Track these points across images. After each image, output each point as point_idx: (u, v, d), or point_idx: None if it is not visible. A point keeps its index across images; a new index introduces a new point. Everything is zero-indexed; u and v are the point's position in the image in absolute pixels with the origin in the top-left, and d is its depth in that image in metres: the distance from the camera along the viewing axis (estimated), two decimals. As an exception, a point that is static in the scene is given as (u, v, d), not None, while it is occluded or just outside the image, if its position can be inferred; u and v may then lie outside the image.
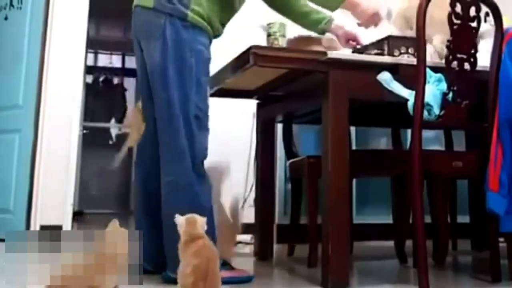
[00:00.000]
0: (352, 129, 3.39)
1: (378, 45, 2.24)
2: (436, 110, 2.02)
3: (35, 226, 3.47)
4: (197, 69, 2.01)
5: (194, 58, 2.01)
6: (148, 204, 2.18)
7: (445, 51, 2.07)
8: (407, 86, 2.02)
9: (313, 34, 2.45)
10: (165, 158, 2.02)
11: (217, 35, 2.17)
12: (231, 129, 3.71)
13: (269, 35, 2.29)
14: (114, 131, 6.73)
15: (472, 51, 2.07)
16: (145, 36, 2.08)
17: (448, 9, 2.02)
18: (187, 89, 1.99)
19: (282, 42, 2.17)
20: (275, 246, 2.91)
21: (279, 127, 3.07)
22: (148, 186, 2.18)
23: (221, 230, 2.05)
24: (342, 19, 2.45)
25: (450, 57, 2.04)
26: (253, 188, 3.10)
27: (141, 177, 2.24)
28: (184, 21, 2.00)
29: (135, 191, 2.32)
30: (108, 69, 6.75)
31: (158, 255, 2.03)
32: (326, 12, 2.43)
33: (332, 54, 2.05)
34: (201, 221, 1.65)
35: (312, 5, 2.39)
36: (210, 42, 2.12)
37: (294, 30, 2.46)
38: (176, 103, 1.98)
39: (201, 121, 2.04)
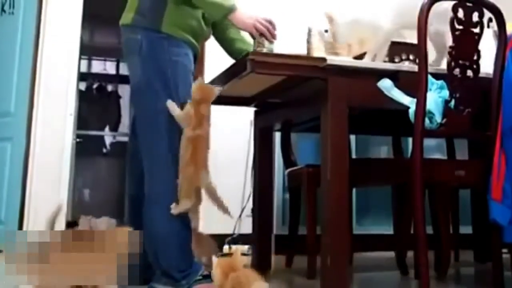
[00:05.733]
0: (352, 137, 3.37)
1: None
2: (438, 118, 2.00)
3: (26, 236, 3.42)
4: (174, 80, 2.02)
5: (170, 69, 2.02)
6: (134, 216, 2.15)
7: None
8: (408, 93, 1.99)
9: None
10: (147, 170, 2.04)
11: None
12: (228, 137, 3.68)
13: (255, 37, 2.24)
14: (108, 140, 6.68)
15: (475, 58, 2.04)
16: (127, 54, 2.11)
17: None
18: (163, 101, 1.98)
19: (269, 44, 2.13)
20: (273, 257, 2.89)
21: (277, 135, 3.05)
22: (135, 198, 2.17)
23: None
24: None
25: (452, 63, 2.01)
26: (251, 198, 3.06)
27: (130, 189, 2.26)
28: (159, 32, 2.02)
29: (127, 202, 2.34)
30: (102, 75, 6.70)
31: (144, 268, 2.01)
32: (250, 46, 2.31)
33: (331, 61, 2.01)
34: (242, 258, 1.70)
35: (239, 34, 2.36)
36: (192, 51, 2.12)
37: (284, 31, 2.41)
38: (153, 116, 2.01)
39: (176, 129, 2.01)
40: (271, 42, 2.11)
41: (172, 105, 1.97)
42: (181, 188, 1.93)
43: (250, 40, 2.25)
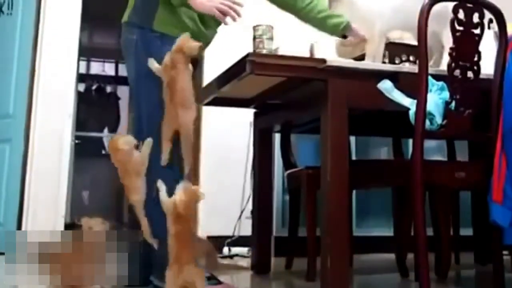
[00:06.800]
0: (352, 138, 3.35)
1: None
2: (438, 120, 1.99)
3: (25, 238, 3.41)
4: None
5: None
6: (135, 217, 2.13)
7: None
8: (409, 94, 1.98)
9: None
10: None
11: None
12: (227, 139, 3.67)
13: (254, 38, 2.22)
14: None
15: (475, 59, 2.03)
16: (125, 53, 2.11)
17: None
18: (155, 102, 1.97)
19: (268, 45, 2.10)
20: (273, 259, 2.88)
21: (277, 136, 3.03)
22: None
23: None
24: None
25: (453, 64, 2.00)
26: (250, 199, 3.04)
27: None
28: (152, 31, 2.02)
29: None
30: (101, 77, 6.69)
31: (144, 268, 2.00)
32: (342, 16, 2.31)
33: (331, 62, 2.00)
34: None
35: (324, 11, 2.32)
36: None
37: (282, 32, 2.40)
38: (143, 117, 2.02)
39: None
40: (234, 20, 2.03)
41: (151, 62, 1.93)
42: (163, 134, 1.90)
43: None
